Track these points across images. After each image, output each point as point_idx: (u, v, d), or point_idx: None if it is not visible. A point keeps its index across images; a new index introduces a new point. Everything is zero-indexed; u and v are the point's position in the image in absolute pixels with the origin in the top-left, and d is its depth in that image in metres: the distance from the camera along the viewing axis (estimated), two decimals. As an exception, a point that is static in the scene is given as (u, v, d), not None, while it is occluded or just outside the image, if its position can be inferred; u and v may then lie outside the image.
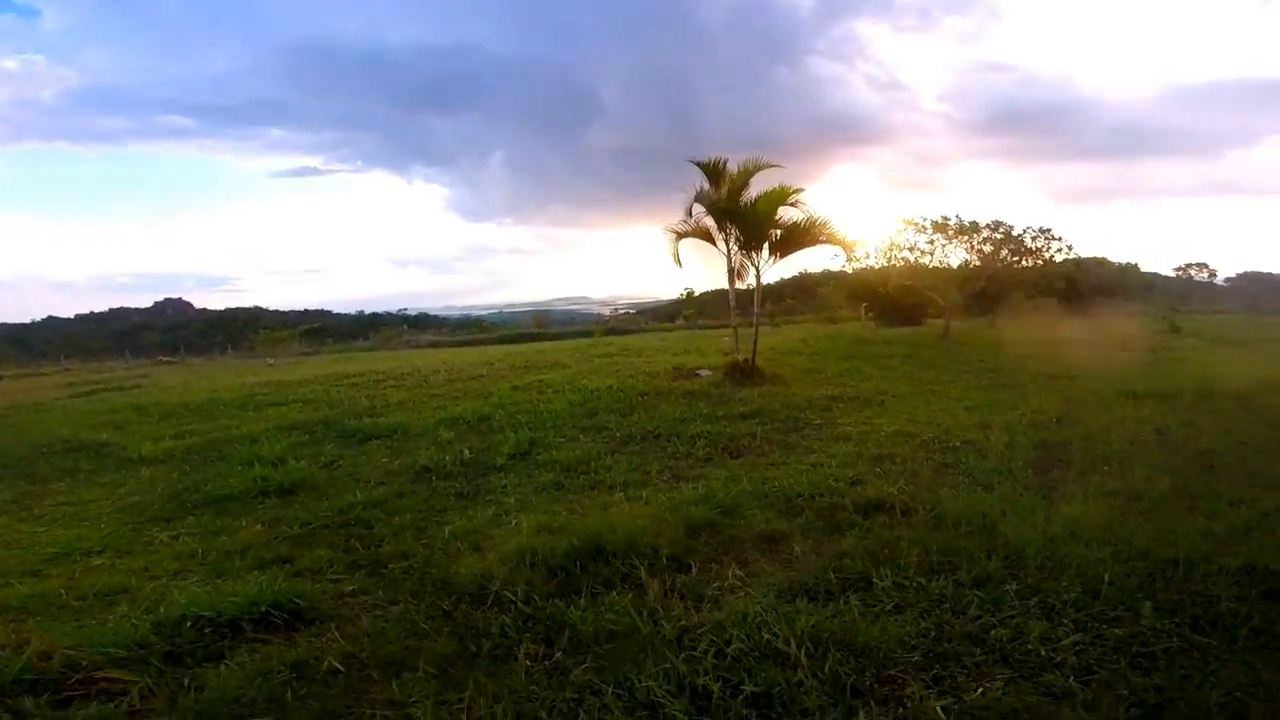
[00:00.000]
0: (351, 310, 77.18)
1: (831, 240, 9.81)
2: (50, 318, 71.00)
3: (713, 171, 9.97)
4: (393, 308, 74.39)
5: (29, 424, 10.21)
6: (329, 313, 79.66)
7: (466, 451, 6.13)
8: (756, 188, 10.71)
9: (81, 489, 6.18)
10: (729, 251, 10.58)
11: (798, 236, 9.34)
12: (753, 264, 9.79)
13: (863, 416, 7.49)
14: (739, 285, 11.56)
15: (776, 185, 9.28)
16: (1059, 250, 17.63)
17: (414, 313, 72.55)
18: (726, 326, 37.99)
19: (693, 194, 11.45)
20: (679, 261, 11.86)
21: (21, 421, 10.41)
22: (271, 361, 25.62)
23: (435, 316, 69.93)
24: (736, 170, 10.29)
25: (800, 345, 14.80)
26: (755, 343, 10.05)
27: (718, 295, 68.71)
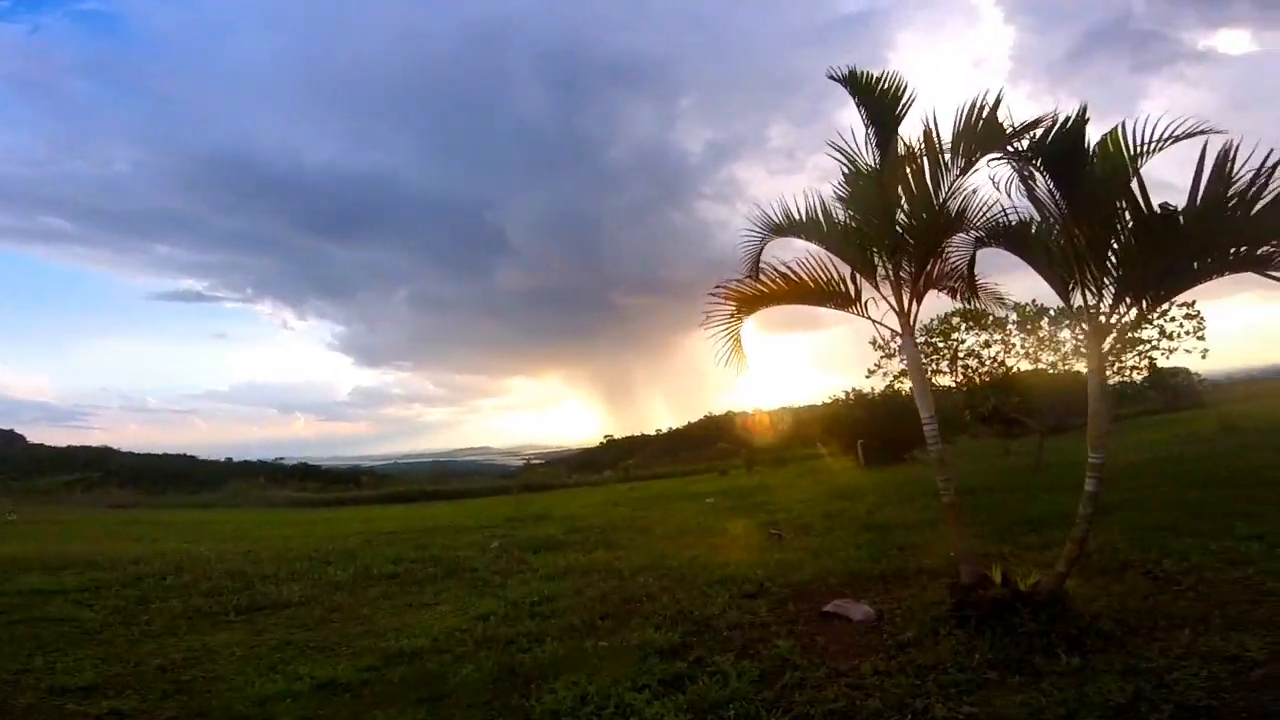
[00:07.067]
0: (221, 456, 64.65)
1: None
2: None
3: (884, 107, 4.02)
4: (270, 455, 62.46)
5: None
6: (193, 458, 66.92)
7: None
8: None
9: None
10: (907, 309, 4.49)
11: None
12: (1100, 326, 3.50)
13: None
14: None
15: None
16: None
17: (292, 462, 61.35)
18: (661, 477, 30.55)
19: (768, 223, 5.50)
20: (743, 358, 5.56)
21: None
22: (13, 516, 16.52)
23: (318, 467, 58.94)
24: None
25: (925, 509, 8.37)
26: (1084, 537, 3.60)
27: (637, 442, 63.30)
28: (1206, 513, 6.18)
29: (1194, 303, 11.21)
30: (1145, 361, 12.08)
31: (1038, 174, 3.19)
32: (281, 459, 62.80)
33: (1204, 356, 11.86)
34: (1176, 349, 11.68)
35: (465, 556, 7.46)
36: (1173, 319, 11.33)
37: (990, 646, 3.26)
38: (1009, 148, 3.26)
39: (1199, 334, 11.48)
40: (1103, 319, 3.36)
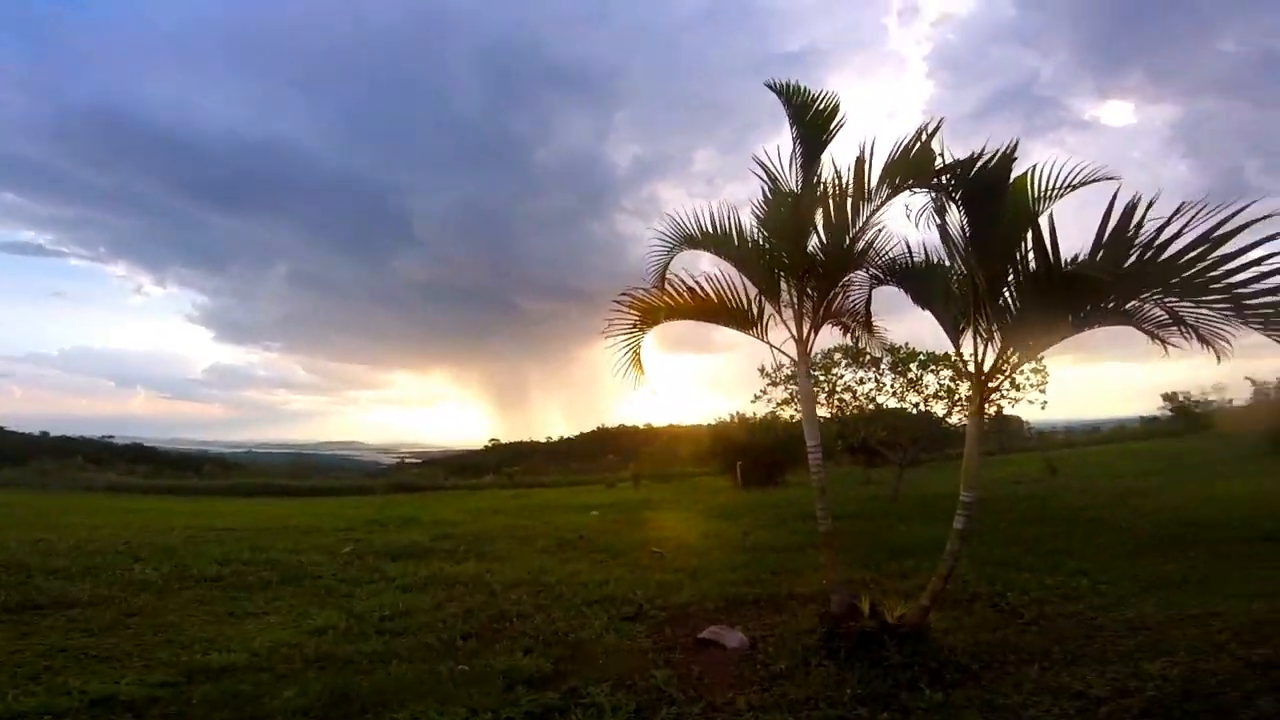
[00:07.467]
0: (35, 429, 55.31)
1: None
2: None
3: (816, 126, 4.03)
4: (97, 432, 54.19)
5: None
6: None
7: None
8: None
9: None
10: (805, 337, 4.52)
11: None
12: (982, 373, 3.57)
13: None
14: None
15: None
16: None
17: (124, 442, 53.69)
18: (546, 486, 29.96)
19: (680, 233, 5.41)
20: (641, 371, 5.41)
21: None
22: None
23: (154, 450, 51.85)
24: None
25: (805, 531, 8.46)
26: (949, 573, 3.67)
27: (525, 448, 61.47)
28: (1039, 549, 6.77)
29: (1042, 357, 12.53)
30: (994, 408, 13.35)
31: (954, 209, 3.28)
32: (110, 437, 54.83)
33: (1044, 408, 13.22)
34: (1021, 399, 12.96)
35: (310, 561, 6.64)
36: (1021, 370, 12.58)
37: (859, 680, 3.24)
38: (936, 180, 3.32)
39: (1042, 386, 12.82)
40: (987, 365, 3.52)
